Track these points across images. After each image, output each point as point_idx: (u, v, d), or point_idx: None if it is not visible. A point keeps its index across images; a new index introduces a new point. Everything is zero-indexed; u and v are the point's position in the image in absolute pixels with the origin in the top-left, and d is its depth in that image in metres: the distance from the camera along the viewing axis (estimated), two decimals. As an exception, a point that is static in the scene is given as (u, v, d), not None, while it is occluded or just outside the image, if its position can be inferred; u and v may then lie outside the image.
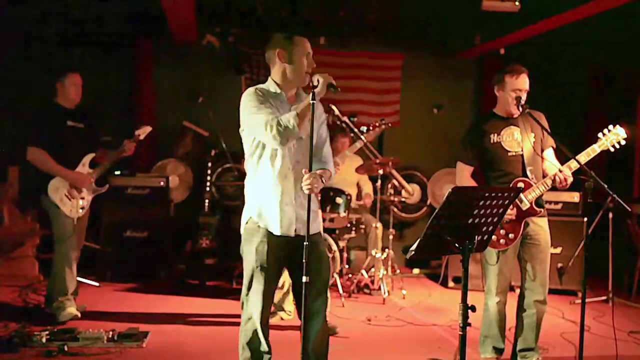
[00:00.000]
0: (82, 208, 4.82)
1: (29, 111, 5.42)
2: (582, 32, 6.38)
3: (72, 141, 4.80)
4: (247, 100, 3.12)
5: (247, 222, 3.18)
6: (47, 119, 4.78)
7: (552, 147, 4.04)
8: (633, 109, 7.49)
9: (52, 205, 4.71)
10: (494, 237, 3.56)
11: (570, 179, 3.80)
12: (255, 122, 3.05)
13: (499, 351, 4.03)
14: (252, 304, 3.14)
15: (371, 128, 4.96)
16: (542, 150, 4.01)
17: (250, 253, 3.14)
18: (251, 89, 3.17)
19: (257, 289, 3.12)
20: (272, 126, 2.96)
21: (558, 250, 6.05)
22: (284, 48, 3.16)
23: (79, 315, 4.69)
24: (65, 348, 4.01)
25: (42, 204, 4.77)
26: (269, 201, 3.13)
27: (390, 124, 4.96)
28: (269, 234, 3.12)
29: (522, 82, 3.89)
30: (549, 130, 3.89)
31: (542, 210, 3.94)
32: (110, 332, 4.24)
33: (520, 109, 3.87)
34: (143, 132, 5.03)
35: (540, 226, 3.95)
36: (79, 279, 5.64)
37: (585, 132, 7.32)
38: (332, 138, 5.73)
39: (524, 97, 3.89)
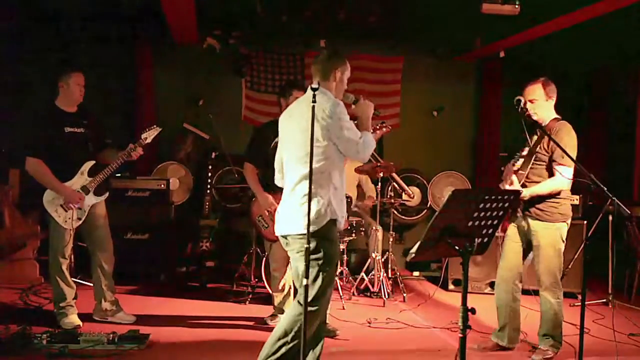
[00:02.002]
0: (79, 218, 4.68)
1: (28, 113, 5.37)
2: (582, 32, 6.38)
3: (69, 149, 4.64)
4: (343, 114, 3.26)
5: (327, 220, 3.26)
6: (44, 126, 4.63)
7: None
8: (633, 109, 7.47)
9: (47, 214, 4.65)
10: None
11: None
12: (351, 136, 3.28)
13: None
14: (322, 296, 3.25)
15: (372, 131, 4.96)
16: (551, 160, 4.12)
17: (335, 247, 3.31)
18: (336, 101, 3.28)
19: (332, 282, 3.26)
20: (364, 147, 3.32)
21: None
22: (343, 69, 3.41)
23: (81, 324, 4.65)
24: (66, 350, 4.01)
25: (42, 208, 4.70)
26: (341, 202, 3.37)
27: (390, 127, 4.96)
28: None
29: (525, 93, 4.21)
30: (557, 142, 3.99)
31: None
32: (111, 335, 4.23)
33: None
34: (150, 134, 4.78)
35: (531, 227, 4.15)
36: (79, 281, 5.67)
37: (584, 133, 7.30)
38: None
39: (528, 104, 4.18)
